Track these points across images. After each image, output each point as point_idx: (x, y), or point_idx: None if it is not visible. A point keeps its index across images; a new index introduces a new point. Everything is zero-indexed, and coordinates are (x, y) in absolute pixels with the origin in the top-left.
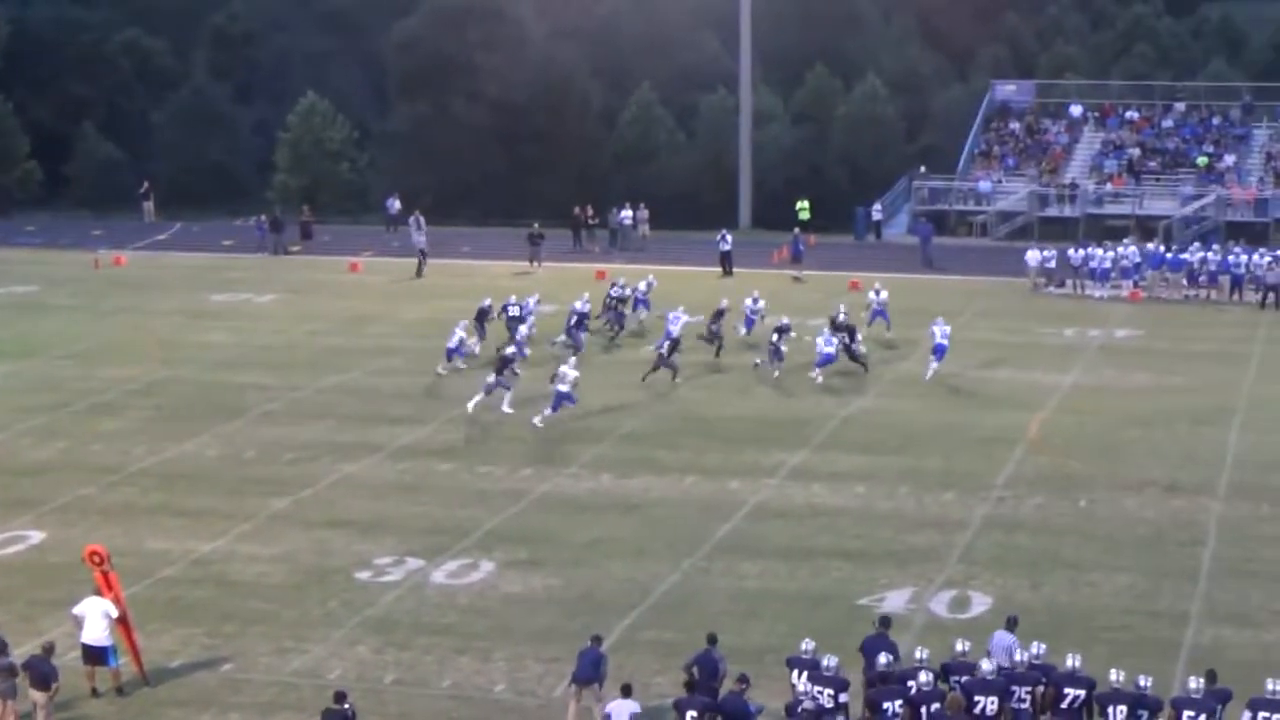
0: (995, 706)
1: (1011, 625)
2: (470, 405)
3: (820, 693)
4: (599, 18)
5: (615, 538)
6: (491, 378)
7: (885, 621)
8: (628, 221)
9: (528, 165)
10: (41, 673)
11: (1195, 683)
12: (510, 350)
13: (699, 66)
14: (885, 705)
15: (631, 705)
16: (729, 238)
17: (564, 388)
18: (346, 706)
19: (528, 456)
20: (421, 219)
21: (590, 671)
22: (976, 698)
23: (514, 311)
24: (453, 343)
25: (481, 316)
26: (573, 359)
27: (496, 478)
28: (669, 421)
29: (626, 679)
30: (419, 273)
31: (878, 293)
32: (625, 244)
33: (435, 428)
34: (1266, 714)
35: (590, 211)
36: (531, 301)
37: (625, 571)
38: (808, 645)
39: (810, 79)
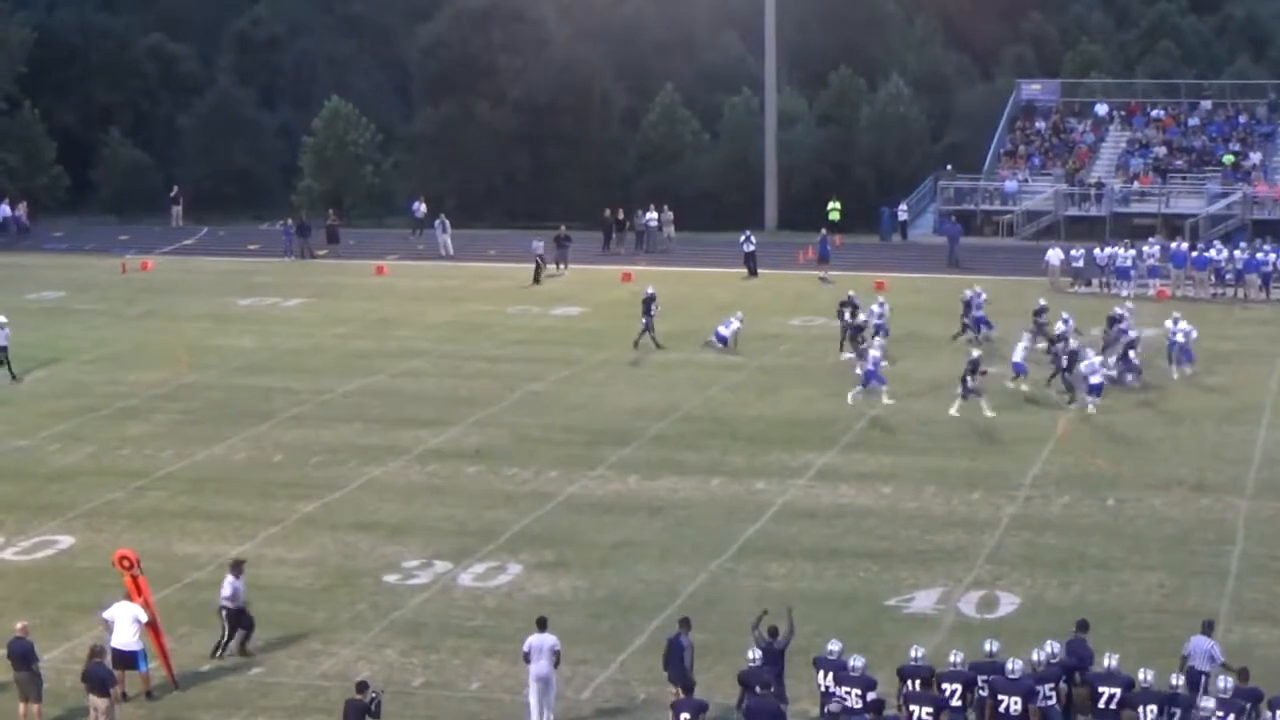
0: (1020, 706)
1: (1208, 629)
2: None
3: (847, 693)
4: (622, 19)
5: (642, 540)
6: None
7: (1083, 625)
8: (653, 223)
9: (551, 167)
10: (99, 678)
11: (1224, 682)
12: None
13: (723, 67)
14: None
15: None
16: (753, 239)
17: (871, 367)
18: (370, 696)
19: (554, 459)
20: (447, 222)
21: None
22: (1001, 697)
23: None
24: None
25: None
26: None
27: (523, 480)
28: (695, 423)
29: (654, 681)
30: (536, 279)
31: (1175, 322)
32: (651, 245)
33: (462, 430)
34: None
35: (620, 213)
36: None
37: (652, 573)
38: (834, 646)
39: (834, 80)
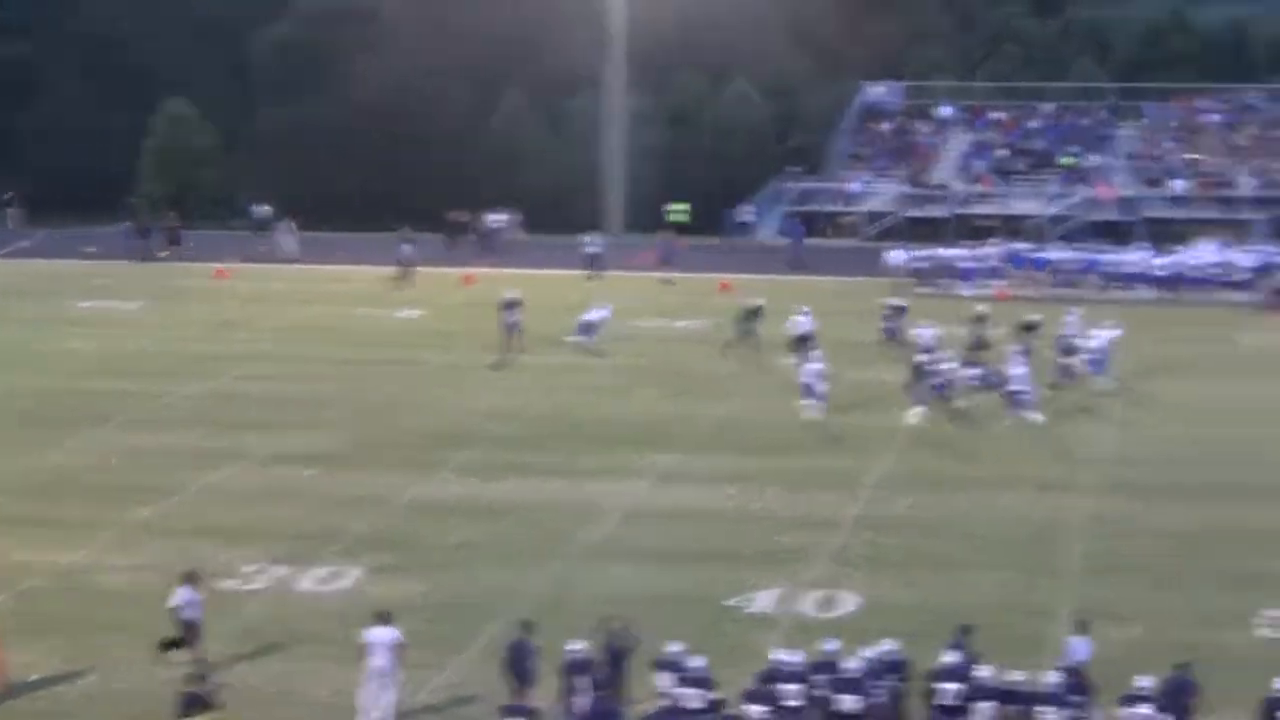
0: (858, 705)
1: (1083, 629)
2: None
3: (688, 694)
4: (468, 21)
5: (484, 542)
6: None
7: (965, 630)
8: (497, 225)
9: (397, 169)
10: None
11: (1056, 676)
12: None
13: (568, 69)
14: None
15: (390, 632)
16: (597, 241)
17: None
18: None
19: (396, 462)
20: (292, 224)
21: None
22: (837, 696)
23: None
24: None
25: None
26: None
27: (364, 483)
28: (541, 425)
29: (494, 684)
30: (402, 282)
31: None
32: (495, 248)
33: (304, 434)
34: (1130, 710)
35: (463, 216)
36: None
37: (494, 576)
38: (675, 647)
39: (679, 81)
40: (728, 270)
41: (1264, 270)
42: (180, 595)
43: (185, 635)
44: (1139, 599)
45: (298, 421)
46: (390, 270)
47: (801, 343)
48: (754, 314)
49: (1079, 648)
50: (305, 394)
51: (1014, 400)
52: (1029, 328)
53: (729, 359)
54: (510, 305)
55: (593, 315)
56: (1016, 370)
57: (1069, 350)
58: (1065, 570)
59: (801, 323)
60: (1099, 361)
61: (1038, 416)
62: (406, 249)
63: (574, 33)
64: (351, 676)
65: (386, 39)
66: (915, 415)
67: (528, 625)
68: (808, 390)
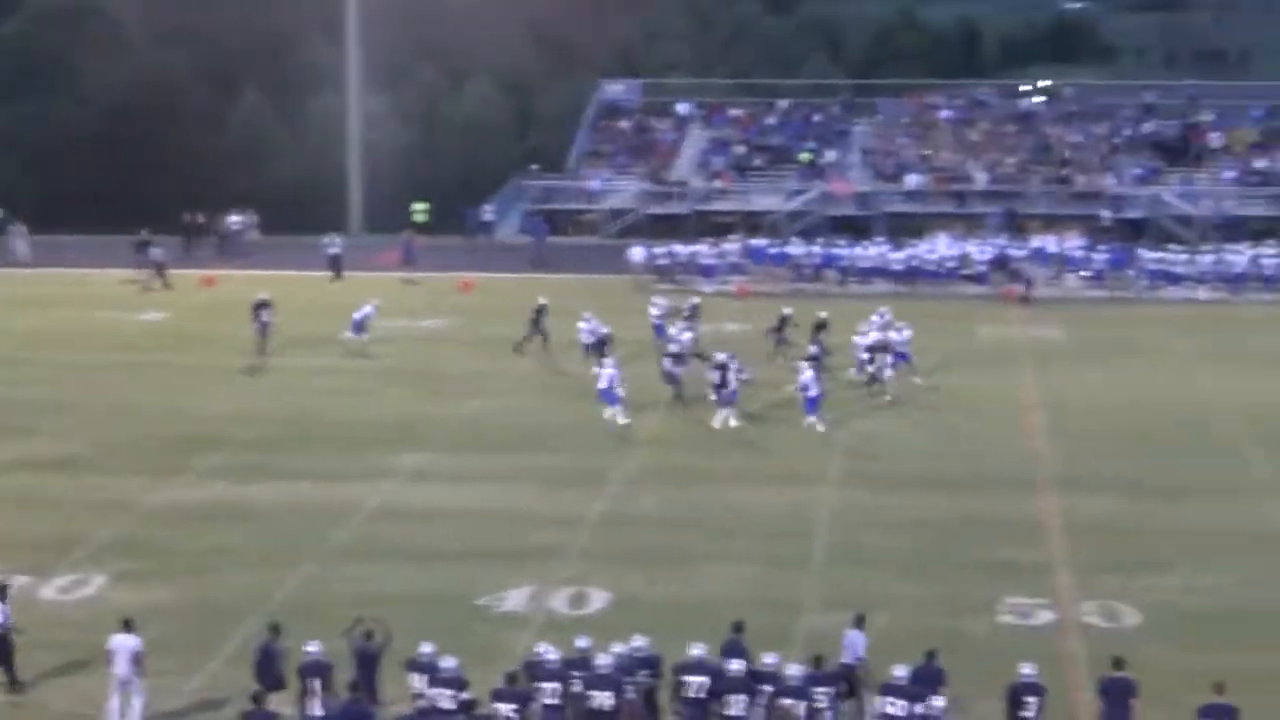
0: (612, 701)
1: (859, 623)
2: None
3: (440, 694)
4: (204, 20)
5: (233, 546)
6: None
7: (739, 626)
8: (236, 226)
9: (136, 170)
10: None
11: (795, 669)
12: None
13: (306, 68)
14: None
15: (131, 640)
16: (338, 241)
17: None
18: None
19: (141, 467)
20: (23, 227)
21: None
22: (591, 692)
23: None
24: None
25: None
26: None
27: (108, 489)
28: (286, 427)
29: (245, 688)
30: (158, 283)
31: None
32: (234, 249)
33: (46, 439)
34: (893, 700)
35: (200, 217)
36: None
37: (243, 580)
38: (427, 648)
39: (419, 79)
40: (470, 269)
41: (998, 263)
42: None
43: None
44: (885, 589)
45: (39, 427)
46: (133, 273)
47: (599, 347)
48: (541, 312)
49: (857, 641)
50: (46, 399)
51: (805, 404)
52: (820, 326)
53: (524, 357)
54: (261, 306)
55: (361, 313)
56: (805, 375)
57: (880, 348)
58: (811, 562)
59: (585, 329)
60: (904, 356)
61: (820, 426)
62: (157, 251)
63: (312, 31)
64: (91, 684)
65: (121, 38)
66: (720, 420)
67: (275, 628)
68: (610, 396)
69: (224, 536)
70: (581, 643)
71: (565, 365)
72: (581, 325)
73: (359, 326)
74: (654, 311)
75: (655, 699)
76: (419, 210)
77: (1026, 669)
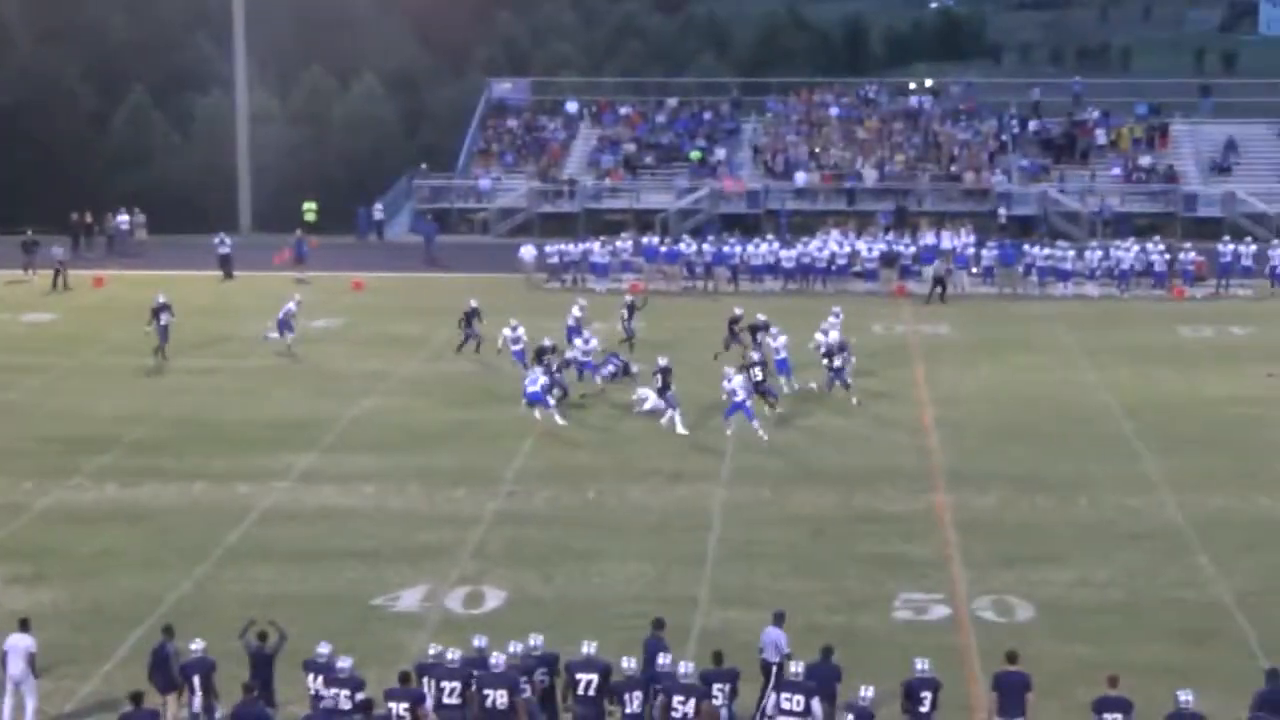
0: (506, 700)
1: (779, 620)
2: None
3: (336, 694)
4: (88, 20)
5: (123, 548)
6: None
7: (660, 623)
8: (125, 226)
9: (20, 171)
10: None
11: (684, 667)
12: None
13: (193, 67)
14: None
15: (25, 640)
16: (228, 240)
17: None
18: None
19: (29, 470)
20: None
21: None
22: (486, 691)
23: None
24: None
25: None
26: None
27: None
28: (176, 428)
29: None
30: (56, 285)
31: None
32: (123, 249)
33: None
34: (789, 695)
35: (89, 217)
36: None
37: (135, 583)
38: (323, 648)
39: (306, 79)
40: (361, 269)
41: (887, 259)
42: None
43: None
44: (779, 585)
45: None
46: (20, 274)
47: (543, 354)
48: (473, 315)
49: (779, 638)
50: None
51: (729, 407)
52: (757, 329)
53: (460, 359)
54: (161, 309)
55: (284, 310)
56: (734, 380)
57: (839, 349)
58: (702, 559)
59: (510, 335)
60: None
61: (762, 434)
62: (58, 250)
63: (199, 31)
64: None
65: (3, 38)
66: (670, 421)
67: (169, 630)
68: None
69: (115, 539)
70: (478, 642)
71: (455, 365)
72: (506, 332)
73: (284, 325)
74: (575, 313)
75: (553, 697)
76: (309, 209)
77: (921, 664)
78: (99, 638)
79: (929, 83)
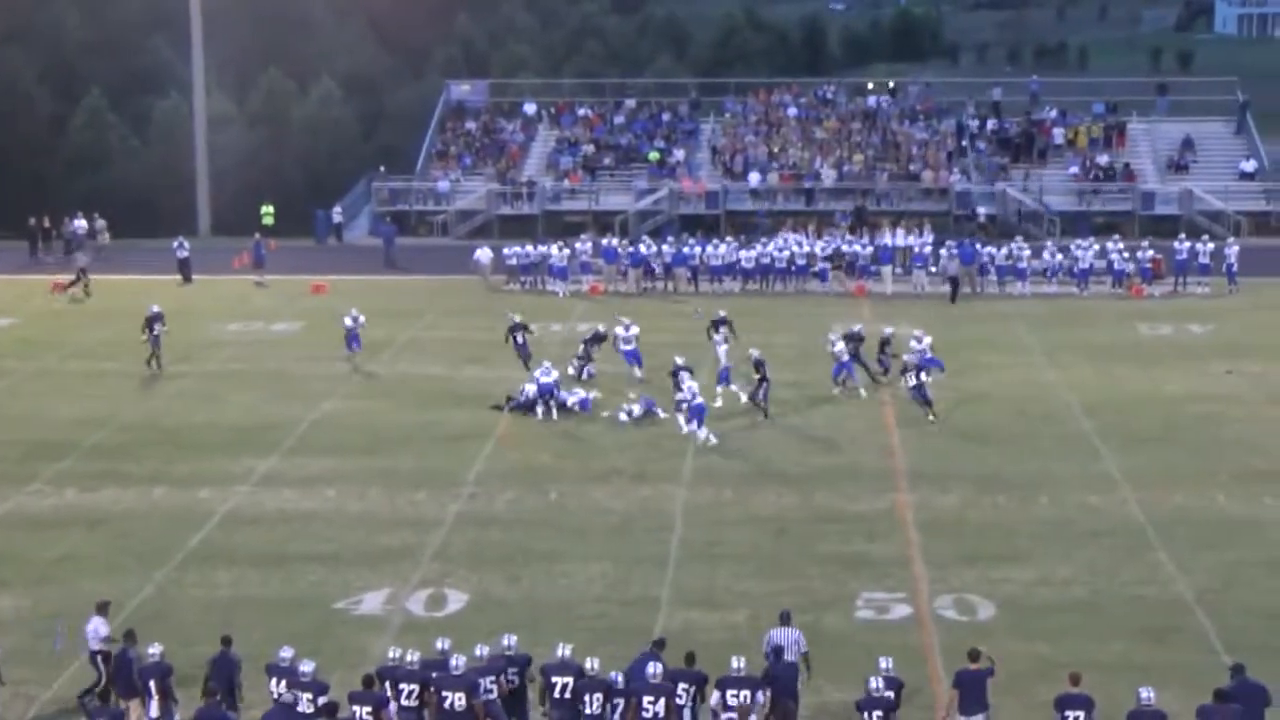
0: (463, 701)
1: (787, 620)
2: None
3: (299, 697)
4: (45, 22)
5: (84, 554)
6: None
7: (661, 644)
8: (83, 230)
9: None
10: None
11: (653, 667)
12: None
13: (151, 71)
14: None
15: None
16: (186, 245)
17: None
18: None
19: None
20: None
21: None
22: (445, 693)
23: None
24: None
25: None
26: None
27: None
28: (136, 433)
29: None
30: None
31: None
32: (82, 253)
33: None
34: (734, 691)
35: (47, 221)
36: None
37: (96, 588)
38: (286, 652)
39: (265, 81)
40: (321, 272)
41: (834, 259)
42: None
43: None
44: (740, 585)
45: None
46: None
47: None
48: (518, 329)
49: (798, 637)
50: None
51: (689, 411)
52: (720, 323)
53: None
54: (155, 319)
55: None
56: (689, 384)
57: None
58: (665, 559)
59: (623, 335)
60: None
61: (711, 439)
62: (81, 257)
63: (156, 34)
64: None
65: None
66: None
67: (130, 635)
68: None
69: (75, 544)
70: (440, 644)
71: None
72: (619, 331)
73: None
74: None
75: (524, 699)
76: (266, 212)
77: (885, 663)
78: (62, 644)
79: (891, 84)
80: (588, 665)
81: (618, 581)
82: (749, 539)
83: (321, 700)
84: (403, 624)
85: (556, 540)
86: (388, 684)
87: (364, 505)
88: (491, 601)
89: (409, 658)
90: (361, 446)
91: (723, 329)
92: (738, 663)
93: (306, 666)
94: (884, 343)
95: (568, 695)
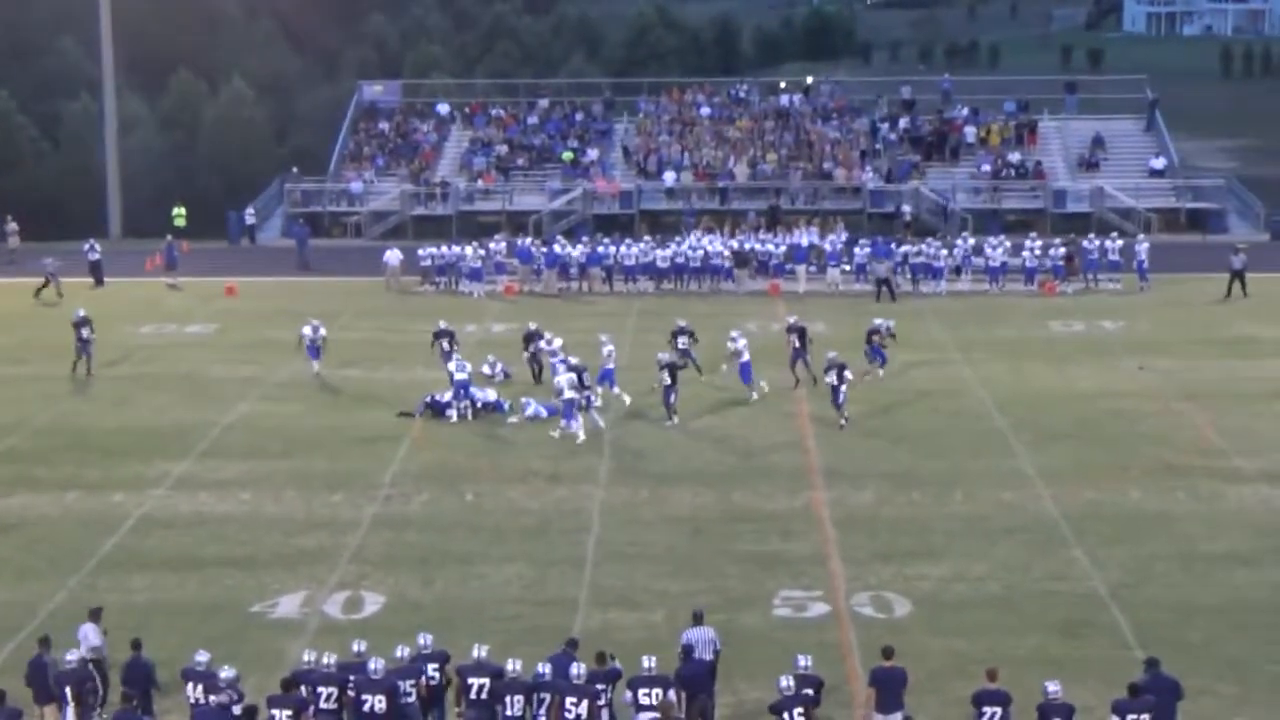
0: (384, 704)
1: (699, 619)
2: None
3: (233, 698)
4: None
5: None
6: None
7: (574, 643)
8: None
9: None
10: None
11: (577, 668)
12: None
13: (60, 73)
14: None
15: None
16: (97, 247)
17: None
18: None
19: None
20: None
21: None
22: (365, 696)
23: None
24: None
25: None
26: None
27: None
28: (47, 437)
29: (12, 703)
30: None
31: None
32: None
33: None
34: (646, 690)
35: None
36: None
37: (9, 594)
38: (202, 656)
39: (175, 83)
40: (234, 273)
41: (740, 259)
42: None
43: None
44: (658, 585)
45: None
46: None
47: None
48: (534, 337)
49: (713, 635)
50: None
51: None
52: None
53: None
54: (82, 324)
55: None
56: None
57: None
58: (582, 560)
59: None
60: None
61: (579, 435)
62: (49, 261)
63: (66, 36)
64: None
65: None
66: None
67: (45, 640)
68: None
69: None
70: (356, 647)
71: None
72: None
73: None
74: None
75: (442, 697)
76: (178, 214)
77: (803, 661)
78: None
79: (809, 80)
80: (509, 666)
81: (535, 582)
82: (666, 539)
83: (240, 706)
84: (320, 626)
85: (472, 541)
86: (305, 687)
87: (280, 508)
88: (408, 603)
89: (325, 660)
90: (277, 449)
91: (683, 339)
92: (649, 662)
93: (227, 672)
94: (871, 333)
95: (484, 696)
